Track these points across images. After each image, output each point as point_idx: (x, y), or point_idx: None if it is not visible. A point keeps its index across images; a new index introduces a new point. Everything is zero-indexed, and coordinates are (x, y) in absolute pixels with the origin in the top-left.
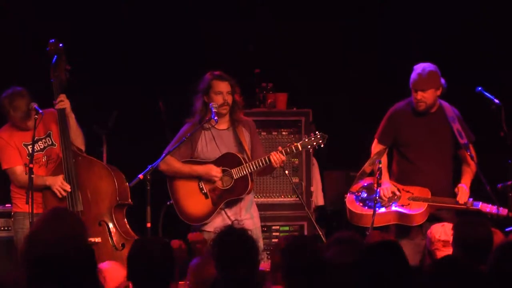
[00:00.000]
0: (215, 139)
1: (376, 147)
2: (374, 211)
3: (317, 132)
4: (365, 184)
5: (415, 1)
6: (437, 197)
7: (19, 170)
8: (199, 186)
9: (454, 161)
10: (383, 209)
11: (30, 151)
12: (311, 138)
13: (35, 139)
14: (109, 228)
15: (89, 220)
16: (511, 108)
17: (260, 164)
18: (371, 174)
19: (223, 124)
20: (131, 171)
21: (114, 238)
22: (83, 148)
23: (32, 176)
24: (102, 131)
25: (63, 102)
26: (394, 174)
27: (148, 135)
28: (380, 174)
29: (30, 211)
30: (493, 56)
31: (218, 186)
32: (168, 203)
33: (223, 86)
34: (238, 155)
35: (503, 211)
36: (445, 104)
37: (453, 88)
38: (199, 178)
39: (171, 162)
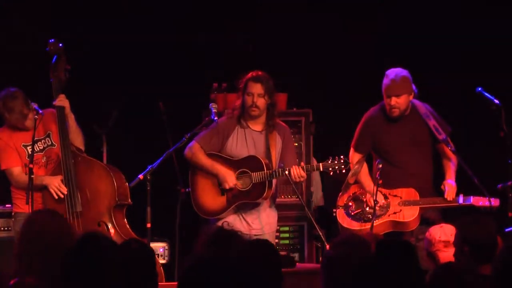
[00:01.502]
0: (247, 139)
1: (353, 156)
2: (374, 211)
3: (342, 157)
4: (351, 195)
5: (416, 3)
6: (426, 198)
7: (17, 171)
8: (218, 181)
9: (433, 158)
10: (377, 220)
11: (30, 152)
12: (334, 162)
13: (35, 139)
14: (108, 229)
15: (88, 221)
16: (511, 108)
17: (280, 174)
18: (355, 183)
19: (258, 126)
20: (131, 171)
21: (113, 239)
22: (82, 148)
23: (32, 176)
24: (102, 131)
25: (63, 102)
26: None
27: (148, 135)
28: (380, 174)
29: (30, 211)
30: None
31: (237, 186)
32: (185, 190)
33: (255, 88)
34: (262, 160)
35: (495, 202)
36: (416, 102)
37: (453, 88)
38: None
39: (196, 151)
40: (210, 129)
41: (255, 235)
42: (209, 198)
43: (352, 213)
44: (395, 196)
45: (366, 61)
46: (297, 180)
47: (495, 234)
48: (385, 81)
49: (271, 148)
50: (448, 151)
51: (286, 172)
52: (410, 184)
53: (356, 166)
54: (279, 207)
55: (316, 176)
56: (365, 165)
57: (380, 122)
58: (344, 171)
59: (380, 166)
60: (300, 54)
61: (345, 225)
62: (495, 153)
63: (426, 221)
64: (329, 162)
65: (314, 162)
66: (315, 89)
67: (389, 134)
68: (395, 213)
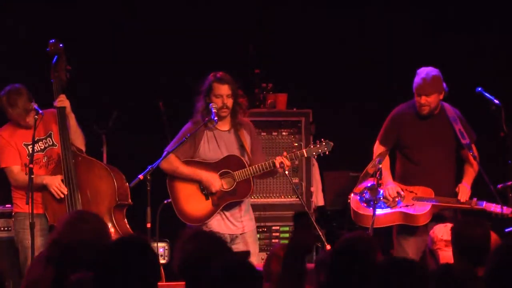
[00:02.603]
0: (217, 140)
1: (378, 148)
2: (374, 211)
3: (322, 140)
4: (368, 185)
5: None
6: (440, 196)
7: (16, 170)
8: (200, 186)
9: (456, 161)
10: (388, 210)
11: (30, 151)
12: (316, 145)
13: (36, 139)
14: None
15: None
16: (511, 108)
17: (264, 168)
18: (374, 175)
19: (225, 126)
20: (131, 171)
21: (113, 239)
22: (83, 148)
23: (32, 176)
24: (102, 131)
25: (63, 102)
26: (398, 175)
27: (148, 135)
28: (380, 174)
29: (30, 211)
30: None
31: (220, 188)
32: (165, 201)
33: (223, 89)
34: (241, 157)
35: (507, 210)
36: (446, 106)
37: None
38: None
39: (173, 162)
40: (179, 137)
41: (240, 233)
42: (194, 205)
43: (366, 200)
44: (411, 192)
45: (366, 61)
46: (281, 171)
47: (486, 236)
48: (416, 79)
49: (245, 145)
50: (470, 156)
51: (271, 163)
52: (428, 182)
53: (378, 158)
54: (279, 207)
55: (316, 176)
56: (386, 159)
57: (408, 118)
58: (328, 153)
59: (380, 166)
60: (300, 54)
61: (358, 210)
62: (495, 153)
63: (442, 219)
64: (312, 146)
65: (314, 161)
66: (315, 89)
67: (415, 130)
68: (407, 206)
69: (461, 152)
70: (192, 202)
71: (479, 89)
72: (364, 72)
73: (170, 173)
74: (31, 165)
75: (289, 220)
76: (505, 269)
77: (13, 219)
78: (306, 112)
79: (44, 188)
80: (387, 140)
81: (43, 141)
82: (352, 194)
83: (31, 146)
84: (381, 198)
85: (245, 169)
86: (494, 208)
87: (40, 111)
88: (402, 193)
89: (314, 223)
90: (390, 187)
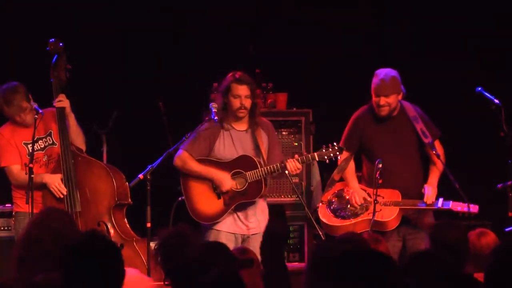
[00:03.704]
0: (233, 140)
1: (342, 154)
2: (374, 211)
3: (334, 144)
4: (336, 192)
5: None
6: (406, 199)
7: (16, 169)
8: (212, 185)
9: (422, 160)
10: (355, 219)
11: (30, 150)
12: (328, 149)
13: (36, 138)
14: (107, 228)
15: (88, 221)
16: (511, 108)
17: (275, 169)
18: (340, 180)
19: (242, 126)
20: (131, 171)
21: (113, 238)
22: (83, 147)
23: (32, 176)
24: (102, 131)
25: (63, 102)
26: (365, 178)
27: (148, 135)
28: (380, 174)
29: (30, 211)
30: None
31: (232, 188)
32: (180, 199)
33: (241, 90)
34: (254, 158)
35: (474, 208)
36: (406, 104)
37: (453, 88)
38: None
39: (186, 160)
40: (195, 136)
41: (252, 234)
42: (206, 203)
43: (333, 210)
44: (378, 195)
45: (366, 61)
46: (294, 172)
47: (463, 240)
48: (375, 80)
49: (260, 146)
50: (433, 155)
51: (283, 165)
52: (394, 184)
53: (343, 163)
54: (279, 207)
55: (316, 176)
56: (351, 163)
57: (368, 121)
58: (339, 157)
59: (380, 166)
60: (300, 54)
61: (325, 221)
62: (495, 153)
63: (418, 227)
64: (324, 150)
65: (315, 161)
66: (315, 89)
67: (375, 134)
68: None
69: (425, 151)
70: (204, 201)
71: (479, 89)
72: (364, 72)
73: (183, 170)
74: (31, 165)
75: (289, 219)
76: (504, 270)
77: (13, 219)
78: (306, 112)
79: (44, 187)
80: (350, 145)
81: (43, 140)
82: (320, 204)
83: (30, 145)
84: (348, 206)
85: (257, 170)
86: (461, 207)
87: (40, 111)
88: (368, 198)
89: (314, 223)
90: (356, 194)
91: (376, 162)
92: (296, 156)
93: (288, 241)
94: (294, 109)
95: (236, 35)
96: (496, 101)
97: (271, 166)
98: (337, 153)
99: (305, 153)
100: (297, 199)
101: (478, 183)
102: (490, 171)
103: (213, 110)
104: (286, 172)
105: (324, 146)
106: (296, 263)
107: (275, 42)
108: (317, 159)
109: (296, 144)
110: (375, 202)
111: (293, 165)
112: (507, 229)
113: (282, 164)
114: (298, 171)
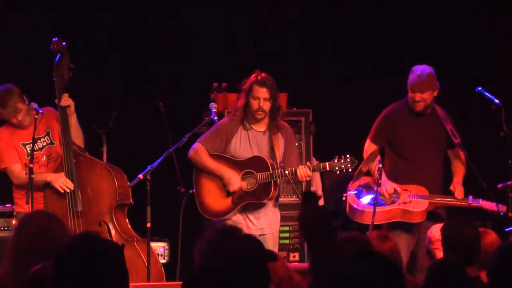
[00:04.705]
0: (250, 140)
1: (369, 147)
2: (374, 211)
3: (347, 156)
4: (362, 183)
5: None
6: (437, 194)
7: (17, 168)
8: (223, 182)
9: (444, 160)
10: (386, 206)
11: (29, 151)
12: (340, 161)
13: (34, 138)
14: (109, 228)
15: (89, 220)
16: (511, 108)
17: (284, 174)
18: (367, 173)
19: (261, 127)
20: (131, 171)
21: (114, 238)
22: (82, 147)
23: (32, 176)
24: (102, 131)
25: (67, 101)
26: (389, 173)
27: (148, 135)
28: (380, 174)
29: (30, 211)
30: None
31: (242, 187)
32: (191, 191)
33: (261, 92)
34: (267, 160)
35: (503, 208)
36: (436, 106)
37: (453, 88)
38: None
39: (200, 153)
40: (213, 131)
41: (259, 235)
42: (214, 200)
43: (364, 197)
44: (406, 190)
45: (366, 61)
46: (303, 179)
47: (475, 237)
48: (411, 76)
49: (275, 149)
50: (462, 155)
51: (287, 172)
52: (421, 180)
53: (371, 156)
54: (279, 207)
55: (316, 176)
56: (378, 157)
57: (401, 116)
58: (350, 170)
59: (380, 165)
60: (300, 54)
61: (356, 206)
62: (495, 153)
63: (436, 218)
64: (336, 161)
65: (314, 161)
66: (315, 89)
67: (407, 128)
68: (405, 203)
69: (449, 152)
70: (212, 196)
71: (479, 88)
72: (364, 72)
73: (195, 163)
74: (31, 165)
75: (289, 219)
76: (508, 268)
77: (14, 219)
78: (306, 112)
79: (45, 187)
80: (379, 139)
81: (41, 139)
82: (348, 192)
83: (28, 145)
84: (378, 198)
85: (268, 172)
86: (490, 206)
87: (40, 111)
88: (398, 189)
89: None
90: (387, 184)
91: (376, 162)
92: (308, 163)
93: (288, 241)
94: (294, 109)
95: (236, 35)
96: (496, 101)
97: (281, 170)
98: (349, 165)
99: (317, 162)
100: (297, 199)
101: (478, 183)
102: (490, 171)
103: (213, 110)
104: (287, 172)
105: (336, 156)
106: (296, 263)
107: (275, 42)
108: (328, 169)
109: (296, 144)
110: (376, 202)
111: (303, 171)
112: (507, 229)
113: (283, 168)
114: (307, 179)
